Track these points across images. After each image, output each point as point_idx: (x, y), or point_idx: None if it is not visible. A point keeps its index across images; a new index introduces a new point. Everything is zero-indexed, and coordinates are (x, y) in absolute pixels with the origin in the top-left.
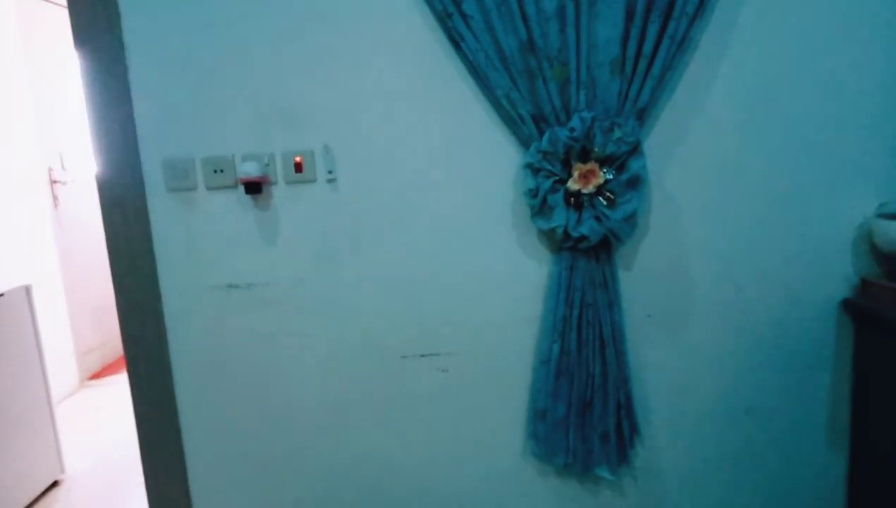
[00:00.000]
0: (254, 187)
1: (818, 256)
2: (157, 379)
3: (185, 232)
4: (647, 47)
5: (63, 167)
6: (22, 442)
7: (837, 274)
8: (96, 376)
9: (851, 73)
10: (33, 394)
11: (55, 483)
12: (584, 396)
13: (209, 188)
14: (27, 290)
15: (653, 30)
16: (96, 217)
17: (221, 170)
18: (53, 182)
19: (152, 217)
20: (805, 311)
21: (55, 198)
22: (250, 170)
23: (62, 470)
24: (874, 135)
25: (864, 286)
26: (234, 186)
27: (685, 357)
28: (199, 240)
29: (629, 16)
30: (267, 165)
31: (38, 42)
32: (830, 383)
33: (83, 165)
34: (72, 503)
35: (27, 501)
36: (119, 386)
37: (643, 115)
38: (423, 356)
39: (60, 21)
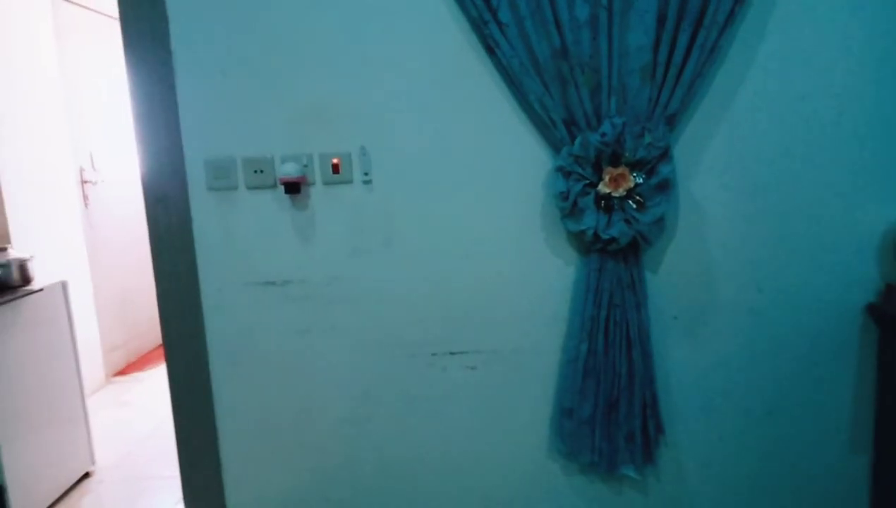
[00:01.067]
0: (293, 187)
1: (843, 261)
2: (193, 370)
3: (225, 229)
4: (678, 55)
5: (93, 167)
6: (55, 434)
7: (862, 278)
8: (121, 373)
9: (877, 79)
10: (66, 387)
11: (86, 475)
12: (610, 395)
13: (249, 187)
14: (63, 286)
15: (683, 38)
16: (124, 216)
17: (261, 171)
18: (84, 182)
19: (194, 214)
20: (829, 315)
21: (85, 197)
22: (290, 170)
23: (93, 462)
24: None
25: (889, 291)
26: (274, 186)
27: (710, 358)
28: (238, 237)
29: (660, 24)
30: (305, 166)
31: (71, 46)
32: (854, 387)
33: (112, 166)
34: (102, 494)
35: (60, 491)
36: (143, 383)
37: (673, 121)
38: (452, 353)
39: (92, 25)
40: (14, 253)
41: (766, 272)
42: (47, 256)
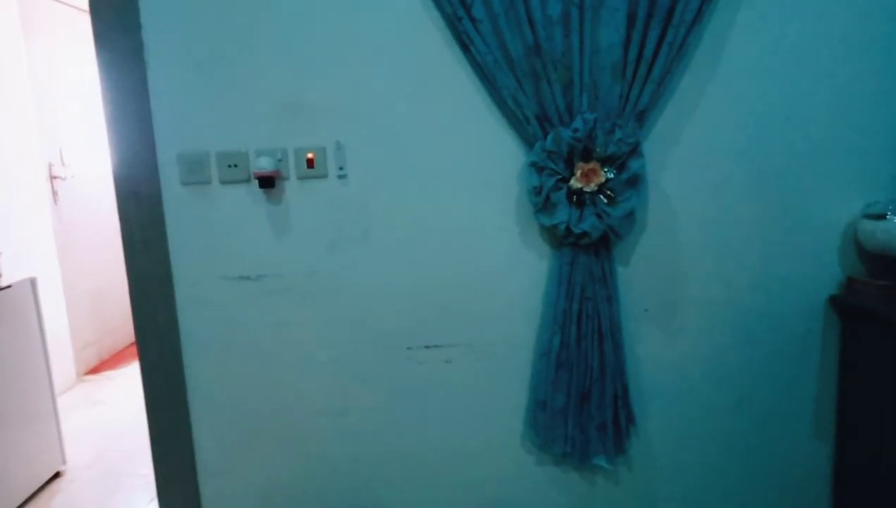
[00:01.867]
0: (267, 182)
1: (807, 255)
2: (167, 366)
3: (199, 224)
4: (648, 52)
5: (63, 163)
6: (25, 433)
7: (825, 271)
8: (93, 371)
9: (841, 78)
10: (36, 386)
11: (57, 475)
12: (582, 387)
13: (223, 182)
14: (32, 282)
15: (653, 36)
16: (96, 212)
17: (235, 165)
18: (53, 177)
19: (167, 210)
20: (794, 307)
21: (55, 193)
22: (264, 164)
23: (63, 462)
24: (862, 138)
25: (850, 283)
26: (248, 181)
27: (680, 350)
28: (212, 232)
29: (631, 22)
30: (280, 161)
31: (40, 38)
32: (817, 375)
33: (84, 161)
34: (73, 493)
35: (30, 491)
36: (116, 381)
37: (643, 118)
38: (427, 347)
39: (64, 18)
40: None
41: (734, 266)
42: (14, 252)
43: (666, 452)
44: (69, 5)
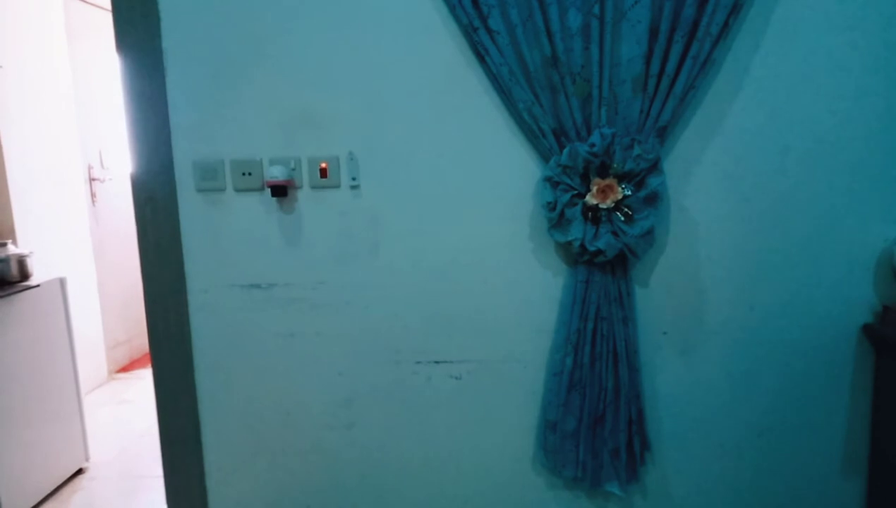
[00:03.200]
0: (280, 190)
1: (839, 280)
2: (178, 371)
3: (212, 231)
4: (671, 66)
5: (102, 165)
6: (49, 430)
7: (859, 298)
8: (124, 369)
9: (876, 96)
10: (63, 384)
11: (80, 471)
12: (595, 410)
13: (237, 190)
14: (62, 282)
15: (676, 49)
16: (131, 215)
17: (249, 173)
18: (92, 179)
19: (182, 215)
20: (824, 335)
21: (93, 194)
22: (277, 173)
23: (87, 459)
24: None
25: (886, 312)
26: (261, 189)
27: (699, 375)
28: (225, 239)
29: (653, 35)
30: (293, 170)
31: (82, 44)
32: (849, 407)
33: (120, 164)
34: (94, 490)
35: (52, 487)
36: (145, 381)
37: (664, 133)
38: (437, 362)
39: (103, 24)
40: (13, 248)
41: (759, 289)
42: (53, 252)
43: (683, 482)
44: (110, 11)
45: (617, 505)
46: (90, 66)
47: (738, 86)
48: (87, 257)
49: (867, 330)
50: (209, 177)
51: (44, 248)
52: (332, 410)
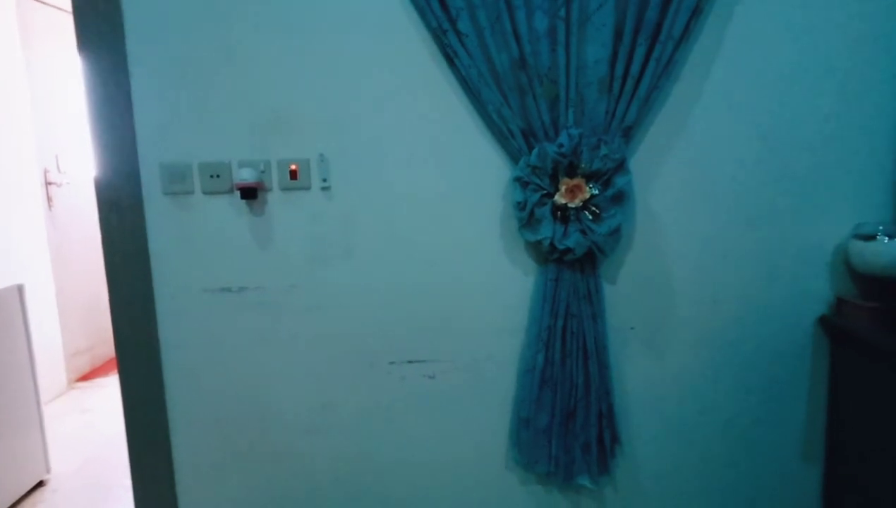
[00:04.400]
0: (249, 193)
1: (796, 274)
2: (147, 379)
3: (180, 235)
4: (635, 68)
5: (59, 169)
6: (7, 442)
7: (815, 292)
8: (84, 378)
9: (829, 99)
10: (22, 394)
11: (40, 483)
12: (567, 406)
13: (205, 192)
14: (20, 290)
15: (640, 52)
16: (90, 219)
17: (218, 176)
18: (48, 183)
19: (148, 219)
20: (783, 328)
21: (49, 199)
22: (247, 176)
23: (48, 470)
24: (853, 158)
25: (840, 304)
26: (230, 191)
27: (666, 369)
28: (194, 243)
29: (617, 37)
30: (263, 172)
31: (37, 45)
32: (806, 398)
33: (78, 167)
34: (56, 503)
35: (11, 500)
36: (107, 389)
37: (629, 134)
38: (410, 362)
39: (58, 24)
40: None
41: (723, 284)
42: (8, 259)
43: (651, 473)
44: (67, 11)
45: (589, 498)
46: (46, 68)
47: (699, 87)
48: (45, 263)
49: (823, 321)
50: (177, 179)
51: None
52: (305, 414)
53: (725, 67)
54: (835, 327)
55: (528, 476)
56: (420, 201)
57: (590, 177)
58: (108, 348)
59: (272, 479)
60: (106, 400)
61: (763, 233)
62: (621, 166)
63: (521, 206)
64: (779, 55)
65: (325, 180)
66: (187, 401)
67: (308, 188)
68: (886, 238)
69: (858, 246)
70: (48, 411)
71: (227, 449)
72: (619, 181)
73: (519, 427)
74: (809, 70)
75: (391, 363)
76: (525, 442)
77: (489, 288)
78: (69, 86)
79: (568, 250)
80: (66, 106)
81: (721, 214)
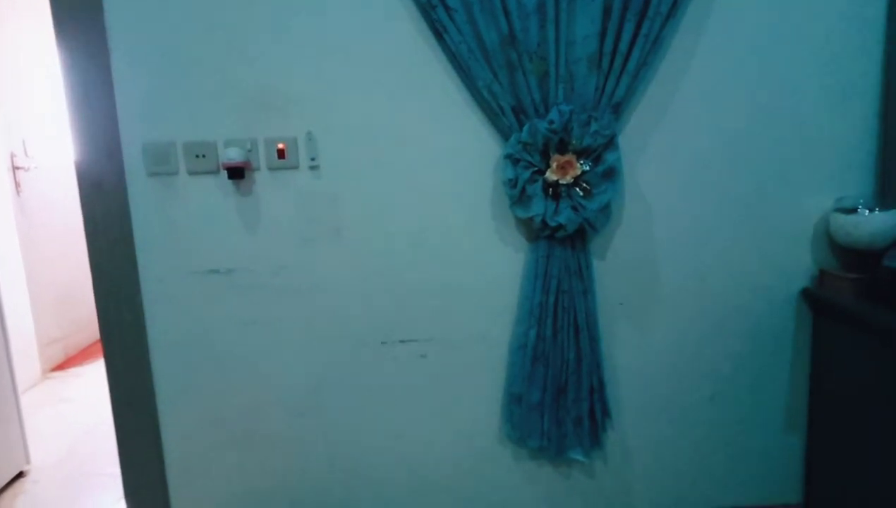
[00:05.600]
0: (237, 172)
1: (780, 248)
2: (134, 365)
3: (166, 217)
4: (623, 44)
5: (26, 153)
6: None
7: (798, 265)
8: (59, 367)
9: (816, 72)
10: None
11: (20, 474)
12: (558, 381)
13: (191, 173)
14: None
15: (628, 28)
16: (62, 204)
17: (204, 155)
18: (16, 168)
19: (131, 201)
20: (767, 301)
21: (17, 184)
22: (233, 155)
23: (27, 461)
24: (835, 132)
25: (822, 277)
26: (217, 172)
27: (655, 343)
28: (180, 225)
29: (606, 13)
30: (250, 151)
31: (2, 26)
32: (790, 368)
33: (47, 151)
34: (37, 493)
35: None
36: (84, 378)
37: (618, 110)
38: (402, 341)
39: (26, 3)
40: None
41: (708, 259)
42: None
43: (640, 445)
44: None
45: (580, 472)
46: (10, 49)
47: (686, 62)
48: (14, 251)
49: (806, 294)
50: (161, 160)
51: None
52: (297, 396)
53: (712, 43)
54: (817, 299)
55: (520, 451)
56: (410, 180)
57: (580, 154)
58: (82, 336)
59: (265, 461)
60: (84, 388)
61: (748, 209)
62: (611, 142)
63: (512, 183)
64: (766, 31)
65: (313, 159)
66: (176, 386)
67: (296, 167)
68: (867, 211)
69: (840, 219)
70: (23, 401)
71: (218, 434)
72: (610, 157)
73: (511, 404)
74: (796, 45)
75: (382, 343)
76: (517, 418)
77: (480, 266)
78: (34, 67)
79: (560, 226)
80: (33, 87)
81: (707, 190)
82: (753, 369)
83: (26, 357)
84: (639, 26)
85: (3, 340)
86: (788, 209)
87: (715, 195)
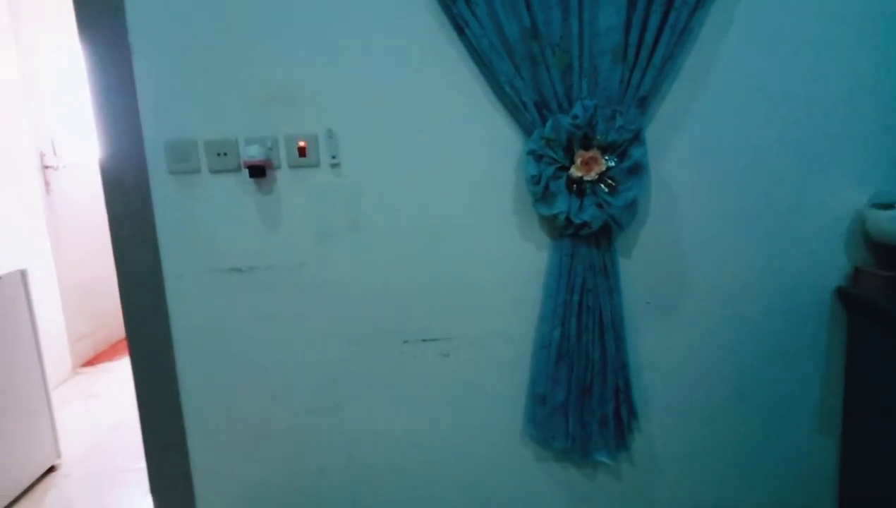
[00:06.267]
0: (257, 171)
1: (813, 245)
2: (158, 360)
3: (188, 215)
4: (649, 36)
5: (55, 152)
6: (18, 428)
7: (832, 262)
8: (89, 363)
9: (856, 62)
10: (29, 380)
11: (52, 469)
12: (583, 381)
13: (212, 171)
14: (23, 274)
15: (654, 19)
16: (89, 202)
17: (225, 154)
18: (45, 167)
19: (155, 200)
20: (800, 299)
21: (47, 183)
22: (254, 153)
23: (58, 456)
24: (872, 125)
25: (857, 274)
26: (238, 170)
27: (682, 343)
28: (202, 223)
29: (631, 4)
30: (270, 149)
31: (28, 25)
32: (824, 369)
33: (75, 150)
34: (68, 487)
35: (24, 486)
36: (112, 374)
37: (644, 104)
38: (424, 341)
39: (51, 4)
40: None
41: (739, 257)
42: (6, 245)
43: (668, 446)
44: None
45: (605, 474)
46: (38, 49)
47: (714, 54)
48: (44, 248)
49: (840, 292)
50: (182, 158)
51: None
52: (317, 394)
53: (743, 34)
54: (852, 297)
55: (544, 452)
56: (431, 176)
57: (605, 149)
58: (109, 332)
59: (285, 457)
60: (112, 384)
61: (780, 205)
62: (637, 137)
63: (535, 180)
64: (799, 20)
65: (334, 157)
66: (199, 382)
67: (317, 165)
68: None
69: (875, 214)
70: (54, 397)
71: (241, 429)
72: (636, 152)
73: (534, 404)
74: (829, 37)
75: (405, 342)
76: (541, 419)
77: (503, 264)
78: (62, 67)
79: (584, 224)
80: (60, 87)
81: (738, 185)
82: (785, 369)
83: (57, 353)
84: (665, 17)
85: (34, 337)
86: (821, 204)
87: (746, 189)
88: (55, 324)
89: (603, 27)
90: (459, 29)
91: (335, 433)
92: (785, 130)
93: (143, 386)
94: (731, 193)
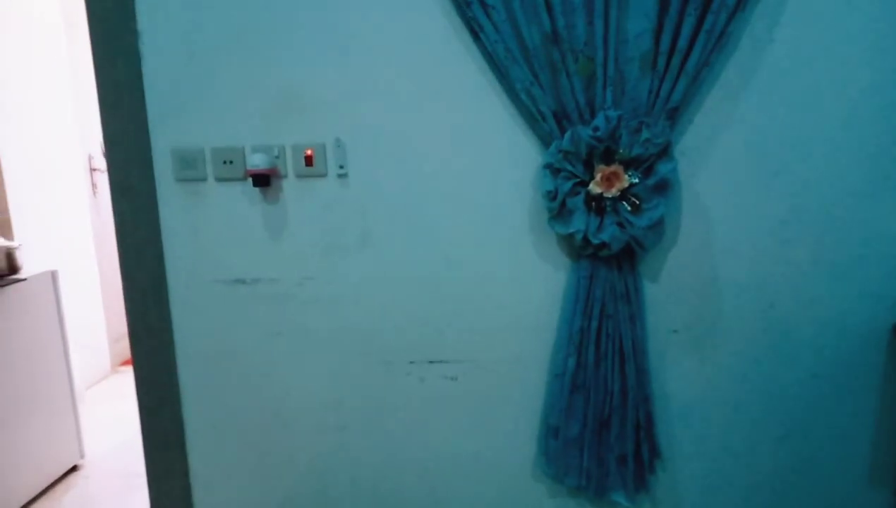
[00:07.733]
0: (262, 180)
1: (868, 275)
2: (161, 372)
3: (193, 224)
4: (683, 42)
5: (102, 155)
6: (41, 427)
7: (891, 295)
8: (128, 363)
9: None
10: (55, 379)
11: (74, 468)
12: (600, 414)
13: (218, 179)
14: (53, 276)
15: (689, 23)
16: None
17: (231, 162)
18: (93, 169)
19: (161, 207)
20: (852, 334)
21: (94, 185)
22: (259, 162)
23: (82, 455)
24: None
25: None
26: (244, 178)
27: (713, 377)
28: (207, 232)
29: (663, 7)
30: (277, 157)
31: (80, 31)
32: (877, 413)
33: None
34: (88, 488)
35: (44, 485)
36: None
37: (675, 115)
38: (431, 362)
39: None
40: (1, 240)
41: (780, 284)
42: (51, 245)
43: (695, 491)
44: None
45: None
46: (87, 53)
47: (755, 63)
48: (88, 249)
49: None
50: (189, 166)
51: (41, 241)
52: (320, 412)
53: (786, 41)
54: None
55: (557, 488)
56: (442, 189)
57: (629, 164)
58: None
59: (286, 477)
60: None
61: (828, 228)
62: (665, 152)
63: (551, 196)
64: (848, 28)
65: (341, 167)
66: (201, 396)
67: (324, 175)
68: None
69: None
70: (90, 395)
71: (242, 445)
72: (663, 168)
73: (547, 436)
74: (881, 45)
75: (411, 362)
76: (554, 452)
77: (516, 285)
78: None
79: (603, 245)
80: None
81: (778, 207)
82: (832, 411)
83: (97, 351)
84: (701, 21)
85: (62, 337)
86: (875, 228)
87: (788, 211)
88: (96, 324)
89: (631, 32)
90: (474, 34)
91: (339, 453)
92: (835, 146)
93: (145, 397)
94: (771, 215)
